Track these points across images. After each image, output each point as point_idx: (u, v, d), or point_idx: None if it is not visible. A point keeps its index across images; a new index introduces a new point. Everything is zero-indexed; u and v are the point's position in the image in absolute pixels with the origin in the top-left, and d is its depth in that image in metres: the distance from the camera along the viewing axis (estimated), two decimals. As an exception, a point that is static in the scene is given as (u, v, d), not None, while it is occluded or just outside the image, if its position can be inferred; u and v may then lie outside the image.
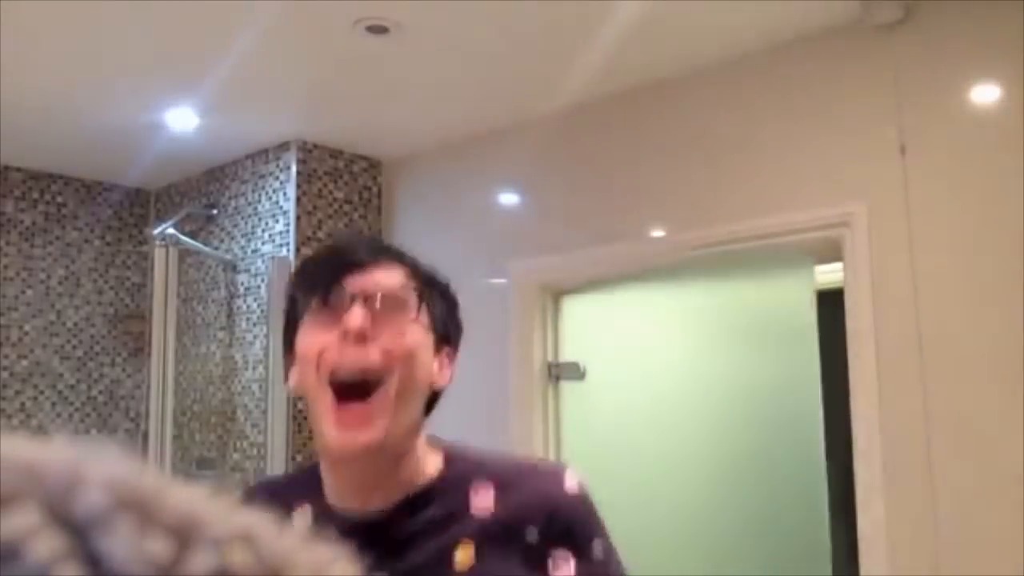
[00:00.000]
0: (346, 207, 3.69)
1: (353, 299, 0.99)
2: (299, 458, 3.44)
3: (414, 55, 2.82)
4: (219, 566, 0.25)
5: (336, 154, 3.68)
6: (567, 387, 3.22)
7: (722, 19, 2.61)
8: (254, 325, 3.61)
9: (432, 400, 1.07)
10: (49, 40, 2.72)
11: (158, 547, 0.24)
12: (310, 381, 1.00)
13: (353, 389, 0.99)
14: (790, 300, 3.28)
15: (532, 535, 1.00)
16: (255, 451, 3.52)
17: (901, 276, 2.43)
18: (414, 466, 1.05)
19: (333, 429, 0.98)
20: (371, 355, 0.98)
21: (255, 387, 3.56)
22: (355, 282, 1.01)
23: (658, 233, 2.97)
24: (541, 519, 1.00)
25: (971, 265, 2.34)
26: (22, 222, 3.85)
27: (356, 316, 0.98)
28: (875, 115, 2.51)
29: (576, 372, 3.20)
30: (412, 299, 1.03)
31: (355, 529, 1.00)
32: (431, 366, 1.05)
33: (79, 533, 0.24)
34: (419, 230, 3.66)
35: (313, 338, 1.01)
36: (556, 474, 1.06)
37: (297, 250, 3.52)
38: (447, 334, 1.09)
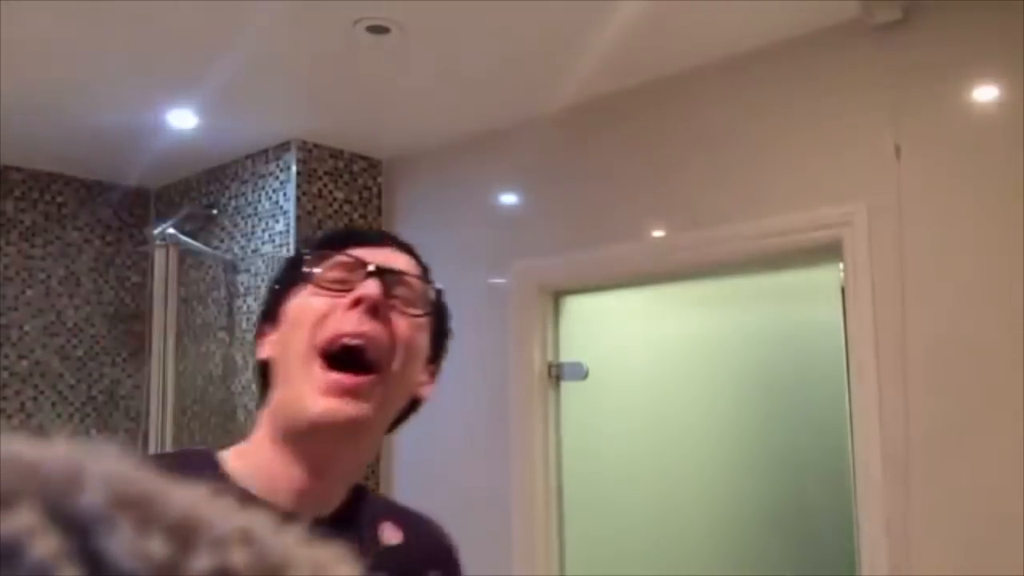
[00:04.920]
0: (346, 207, 3.69)
1: (370, 274, 0.93)
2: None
3: (414, 55, 2.82)
4: (219, 566, 0.25)
5: (336, 154, 3.68)
6: (568, 387, 3.22)
7: (721, 19, 2.61)
8: (254, 325, 3.61)
9: (405, 413, 1.01)
10: (49, 40, 2.72)
11: (158, 547, 0.24)
12: (298, 347, 0.92)
13: (346, 363, 0.91)
14: (806, 295, 3.28)
15: None
16: (255, 451, 3.52)
17: (901, 276, 2.43)
18: (356, 477, 0.99)
19: (320, 396, 0.89)
20: (381, 330, 0.91)
21: (255, 387, 3.56)
22: (376, 256, 0.95)
23: (658, 233, 2.97)
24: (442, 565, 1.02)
25: (971, 265, 2.34)
26: (22, 222, 3.85)
27: (374, 286, 0.91)
28: (874, 115, 2.51)
29: (579, 372, 3.21)
30: (427, 300, 0.99)
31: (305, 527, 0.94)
32: (420, 373, 0.99)
33: (79, 533, 0.24)
34: (419, 230, 3.66)
35: (315, 303, 0.93)
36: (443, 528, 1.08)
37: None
38: (438, 350, 1.03)
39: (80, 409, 3.92)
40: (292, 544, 0.27)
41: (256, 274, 3.65)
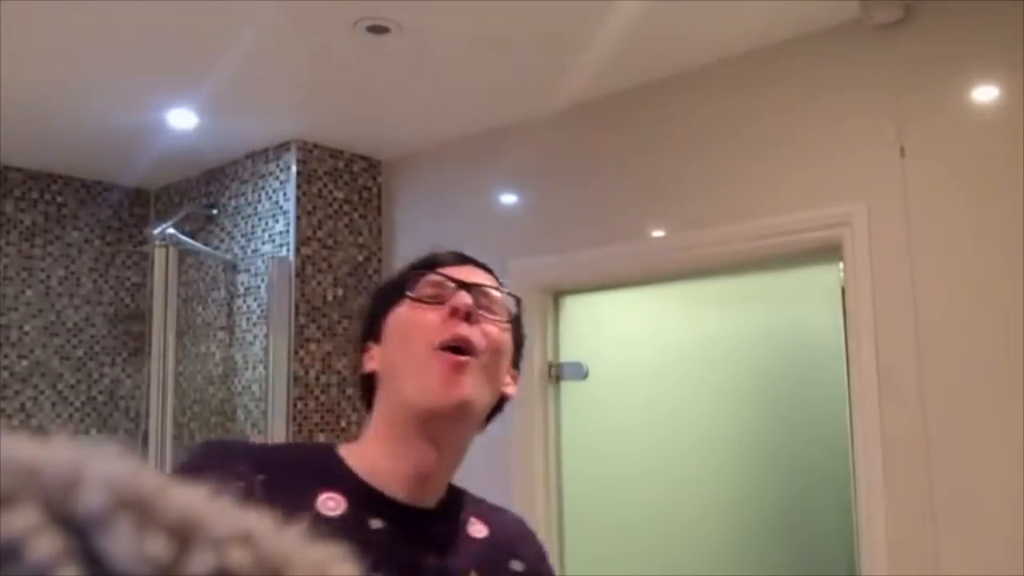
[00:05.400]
0: (346, 207, 3.69)
1: (459, 287, 1.09)
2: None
3: (414, 55, 2.82)
4: (219, 566, 0.25)
5: (336, 154, 3.68)
6: (568, 387, 3.22)
7: (722, 19, 2.61)
8: (254, 325, 3.61)
9: (494, 411, 1.16)
10: (49, 40, 2.72)
11: (158, 547, 0.24)
12: (408, 352, 1.07)
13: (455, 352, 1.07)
14: (806, 295, 3.28)
15: (517, 566, 1.12)
16: (255, 451, 3.52)
17: (901, 276, 2.43)
18: (457, 465, 1.12)
19: (438, 384, 1.04)
20: (475, 332, 1.07)
21: (255, 387, 3.56)
22: (462, 274, 1.12)
23: (658, 233, 2.97)
24: (524, 554, 1.15)
25: (971, 265, 2.34)
26: (22, 222, 3.85)
27: (466, 297, 1.08)
28: (875, 115, 2.52)
29: (579, 372, 3.20)
30: (507, 308, 1.14)
31: (413, 515, 1.05)
32: (506, 373, 1.14)
33: (79, 533, 0.24)
34: (419, 230, 3.66)
35: (417, 315, 1.09)
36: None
37: (297, 250, 3.52)
38: (517, 354, 1.18)
39: (80, 409, 3.92)
40: (292, 544, 0.27)
41: (256, 274, 3.65)
